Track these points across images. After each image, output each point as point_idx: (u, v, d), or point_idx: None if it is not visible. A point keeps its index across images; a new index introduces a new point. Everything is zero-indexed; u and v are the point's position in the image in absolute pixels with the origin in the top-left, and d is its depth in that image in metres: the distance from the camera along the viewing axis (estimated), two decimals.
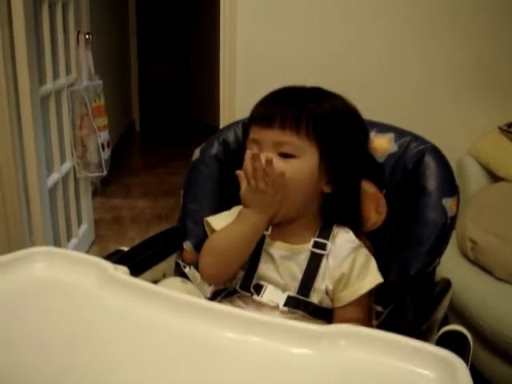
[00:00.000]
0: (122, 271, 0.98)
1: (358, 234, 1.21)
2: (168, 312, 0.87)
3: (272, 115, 1.13)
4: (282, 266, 1.17)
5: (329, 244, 1.17)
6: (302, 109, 1.14)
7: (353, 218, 1.23)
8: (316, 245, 1.17)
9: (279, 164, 1.11)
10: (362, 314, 1.13)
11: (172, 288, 1.18)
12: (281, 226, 1.19)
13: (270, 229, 1.19)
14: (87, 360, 0.80)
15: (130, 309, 0.88)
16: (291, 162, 1.13)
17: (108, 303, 0.90)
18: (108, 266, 0.96)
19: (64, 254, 1.00)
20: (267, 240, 1.19)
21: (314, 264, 1.16)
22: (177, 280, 1.23)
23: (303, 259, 1.16)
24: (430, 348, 0.80)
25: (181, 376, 0.78)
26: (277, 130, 1.12)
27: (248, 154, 1.14)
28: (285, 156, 1.13)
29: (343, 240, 1.19)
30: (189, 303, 0.89)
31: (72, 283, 0.94)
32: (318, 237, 1.18)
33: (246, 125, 1.25)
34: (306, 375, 0.79)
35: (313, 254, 1.17)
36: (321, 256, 1.16)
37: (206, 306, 0.89)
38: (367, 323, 1.11)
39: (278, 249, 1.18)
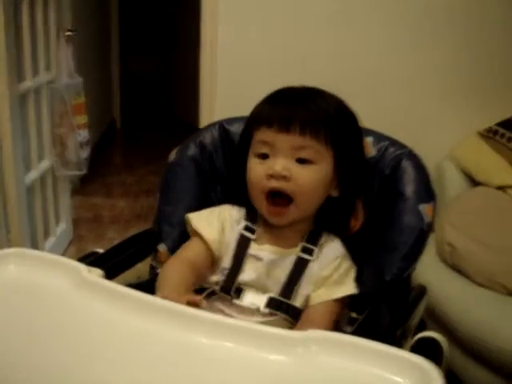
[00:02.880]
0: (96, 274, 0.97)
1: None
2: (141, 316, 0.86)
3: (290, 119, 1.09)
4: (270, 269, 1.15)
5: (316, 250, 1.16)
6: (317, 111, 1.11)
7: (344, 224, 1.22)
8: (304, 250, 1.16)
9: (297, 171, 1.09)
10: (328, 319, 1.12)
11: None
12: (271, 229, 1.18)
13: (256, 233, 1.18)
14: (58, 363, 0.79)
15: (102, 312, 0.87)
16: (310, 168, 1.10)
17: (81, 306, 0.89)
18: (82, 268, 0.94)
19: (37, 256, 0.98)
20: (253, 245, 1.17)
21: (299, 268, 1.15)
22: None
23: (289, 263, 1.16)
24: (403, 354, 0.79)
25: (154, 379, 0.77)
26: (296, 134, 1.08)
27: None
28: (302, 162, 1.10)
29: (330, 248, 1.18)
30: (163, 307, 0.88)
31: (45, 286, 0.93)
32: (306, 242, 1.17)
33: (247, 124, 1.21)
34: (280, 382, 0.78)
35: (299, 258, 1.16)
36: (307, 261, 1.16)
37: (181, 310, 0.88)
38: (333, 329, 1.10)
39: (267, 252, 1.16)
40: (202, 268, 1.16)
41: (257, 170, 1.13)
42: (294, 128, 1.08)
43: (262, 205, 1.15)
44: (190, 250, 1.18)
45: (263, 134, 1.12)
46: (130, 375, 0.77)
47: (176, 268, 1.14)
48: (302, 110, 1.11)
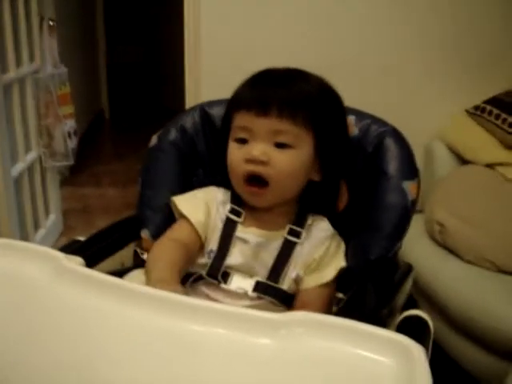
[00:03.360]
0: (75, 262, 0.95)
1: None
2: (123, 303, 0.84)
3: (267, 101, 1.07)
4: (256, 252, 1.14)
5: (303, 232, 1.15)
6: (298, 93, 1.09)
7: (330, 205, 1.21)
8: (291, 232, 1.15)
9: (276, 156, 1.08)
10: (323, 301, 1.12)
11: (137, 281, 1.16)
12: (256, 212, 1.16)
13: (242, 216, 1.17)
14: (38, 354, 0.78)
15: (82, 300, 0.86)
16: (288, 153, 1.08)
17: (60, 295, 0.87)
18: (61, 256, 0.93)
19: (13, 245, 0.96)
20: (240, 228, 1.16)
21: (286, 251, 1.14)
22: (141, 272, 1.19)
23: (276, 246, 1.15)
24: (387, 334, 0.78)
25: (140, 367, 0.76)
26: (273, 118, 1.07)
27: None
28: (280, 146, 1.08)
29: (319, 228, 1.17)
30: (144, 294, 0.86)
31: (23, 275, 0.91)
32: (293, 224, 1.16)
33: (228, 107, 1.19)
34: (265, 365, 0.77)
35: (286, 240, 1.15)
36: (294, 244, 1.15)
37: (164, 296, 0.87)
38: (328, 311, 1.09)
39: (253, 235, 1.15)
40: (192, 249, 1.14)
41: (235, 154, 1.12)
42: (272, 112, 1.07)
43: (240, 188, 1.14)
44: (180, 231, 1.16)
45: (242, 119, 1.11)
46: (115, 364, 0.76)
47: (166, 248, 1.12)
48: (281, 92, 1.09)
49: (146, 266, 1.09)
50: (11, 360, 0.77)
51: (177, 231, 1.17)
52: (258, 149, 1.08)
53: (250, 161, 1.09)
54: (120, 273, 1.17)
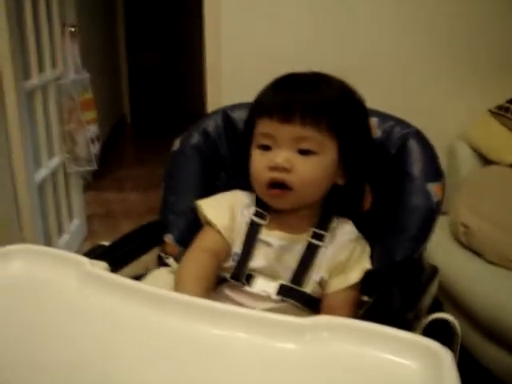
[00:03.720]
0: (100, 267, 0.96)
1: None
2: (147, 308, 0.85)
3: (290, 108, 1.07)
4: (280, 255, 1.14)
5: (327, 235, 1.15)
6: (320, 99, 1.09)
7: (355, 208, 1.20)
8: (314, 235, 1.15)
9: (299, 163, 1.08)
10: (349, 304, 1.11)
11: (160, 279, 1.17)
12: (280, 215, 1.16)
13: (267, 219, 1.17)
14: (63, 358, 0.78)
15: (107, 305, 0.86)
16: (312, 160, 1.08)
17: (84, 300, 0.88)
18: (85, 261, 0.93)
19: (41, 251, 0.97)
20: (264, 231, 1.16)
21: (310, 254, 1.14)
22: (163, 271, 1.21)
23: (300, 249, 1.14)
24: (413, 338, 0.78)
25: (164, 373, 0.76)
26: (297, 125, 1.06)
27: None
28: (304, 152, 1.08)
29: (344, 231, 1.17)
30: (168, 298, 0.87)
31: (49, 281, 0.92)
32: (317, 227, 1.16)
33: (250, 113, 1.19)
34: (291, 369, 0.77)
35: (310, 244, 1.14)
36: (317, 247, 1.14)
37: (188, 301, 0.87)
38: (354, 314, 1.09)
39: (276, 238, 1.15)
40: (221, 255, 1.15)
41: (259, 161, 1.12)
42: (295, 119, 1.06)
43: (263, 193, 1.14)
44: (207, 239, 1.17)
45: (264, 126, 1.11)
46: (138, 368, 0.76)
47: (195, 262, 1.12)
48: (303, 98, 1.09)
49: (176, 276, 1.10)
50: (37, 363, 0.78)
51: (205, 240, 1.17)
52: (282, 156, 1.08)
53: (274, 168, 1.08)
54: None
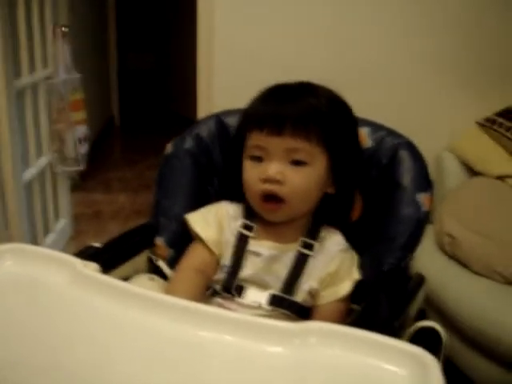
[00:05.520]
0: (91, 268, 0.96)
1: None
2: (137, 310, 0.86)
3: (280, 120, 1.07)
4: (269, 264, 1.15)
5: (316, 245, 1.16)
6: (309, 110, 1.10)
7: (344, 218, 1.21)
8: (304, 245, 1.16)
9: (290, 174, 1.09)
10: (340, 315, 1.13)
11: (139, 286, 1.17)
12: (269, 226, 1.17)
13: (254, 230, 1.18)
14: (54, 359, 0.78)
15: (98, 306, 0.87)
16: (303, 171, 1.09)
17: (76, 301, 0.88)
18: (77, 262, 0.94)
19: (32, 251, 0.97)
20: (252, 241, 1.17)
21: (299, 263, 1.15)
22: (144, 278, 1.21)
23: (289, 258, 1.15)
24: (400, 345, 0.79)
25: (153, 374, 0.76)
26: (287, 137, 1.07)
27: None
28: (296, 163, 1.09)
29: (332, 241, 1.18)
30: (159, 301, 0.87)
31: (40, 281, 0.92)
32: (306, 237, 1.17)
33: (240, 124, 1.21)
34: (278, 374, 0.78)
35: (299, 253, 1.15)
36: (307, 256, 1.15)
37: (177, 303, 0.87)
38: (343, 323, 1.10)
39: (265, 248, 1.16)
40: (209, 271, 1.17)
41: (251, 173, 1.13)
42: (285, 131, 1.07)
43: (257, 205, 1.15)
44: (195, 257, 1.18)
45: (255, 138, 1.12)
46: (128, 370, 0.77)
47: (184, 280, 1.14)
48: (293, 111, 1.09)
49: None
50: (27, 363, 0.78)
51: (192, 257, 1.19)
52: (273, 168, 1.09)
53: (266, 180, 1.09)
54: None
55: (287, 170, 1.09)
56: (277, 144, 1.08)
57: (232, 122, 1.32)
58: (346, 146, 1.15)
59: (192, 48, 2.51)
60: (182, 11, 5.54)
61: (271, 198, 1.10)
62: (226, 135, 1.33)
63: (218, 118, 1.34)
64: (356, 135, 1.19)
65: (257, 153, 1.12)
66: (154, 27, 6.94)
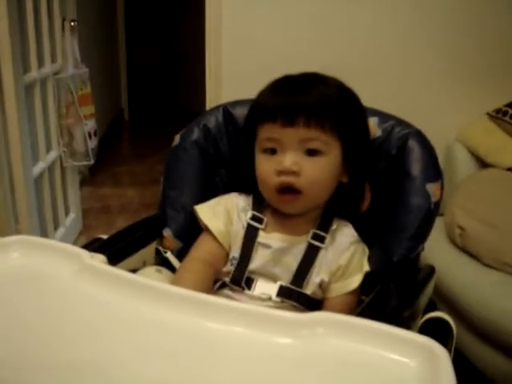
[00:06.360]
0: (98, 260, 0.96)
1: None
2: (145, 301, 0.85)
3: (293, 111, 1.06)
4: (279, 256, 1.14)
5: (327, 237, 1.15)
6: (321, 99, 1.08)
7: (355, 209, 1.20)
8: (315, 237, 1.15)
9: (306, 165, 1.07)
10: (350, 308, 1.11)
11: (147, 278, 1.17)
12: (280, 218, 1.16)
13: (264, 222, 1.17)
14: (60, 350, 0.78)
15: (104, 298, 0.86)
16: (319, 161, 1.08)
17: (82, 292, 0.88)
18: (84, 254, 0.93)
19: (39, 243, 0.97)
20: (262, 233, 1.16)
21: (310, 256, 1.14)
22: (152, 270, 1.20)
23: (300, 251, 1.14)
24: (410, 335, 0.78)
25: (160, 366, 0.76)
26: (301, 127, 1.06)
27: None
28: (311, 152, 1.08)
29: (343, 234, 1.17)
30: (166, 292, 0.87)
31: (47, 273, 0.92)
32: (317, 229, 1.16)
33: (250, 117, 1.19)
34: (286, 364, 0.77)
35: (310, 245, 1.14)
36: (318, 248, 1.14)
37: (185, 295, 0.87)
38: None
39: (275, 240, 1.15)
40: (218, 263, 1.16)
41: (266, 166, 1.11)
42: (299, 121, 1.06)
43: (273, 198, 1.14)
44: (203, 248, 1.18)
45: (268, 131, 1.10)
46: (135, 361, 0.76)
47: (191, 270, 1.13)
48: (305, 100, 1.08)
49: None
50: (33, 356, 0.77)
51: (200, 249, 1.18)
52: (289, 159, 1.07)
53: (282, 172, 1.08)
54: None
55: (303, 160, 1.07)
56: (291, 135, 1.07)
57: (239, 112, 1.31)
58: (358, 134, 1.14)
59: (198, 42, 2.51)
60: (190, 4, 5.53)
61: (288, 190, 1.09)
62: (234, 126, 1.32)
63: (226, 109, 1.33)
64: (366, 123, 1.18)
65: (270, 145, 1.10)
66: (160, 21, 6.94)
